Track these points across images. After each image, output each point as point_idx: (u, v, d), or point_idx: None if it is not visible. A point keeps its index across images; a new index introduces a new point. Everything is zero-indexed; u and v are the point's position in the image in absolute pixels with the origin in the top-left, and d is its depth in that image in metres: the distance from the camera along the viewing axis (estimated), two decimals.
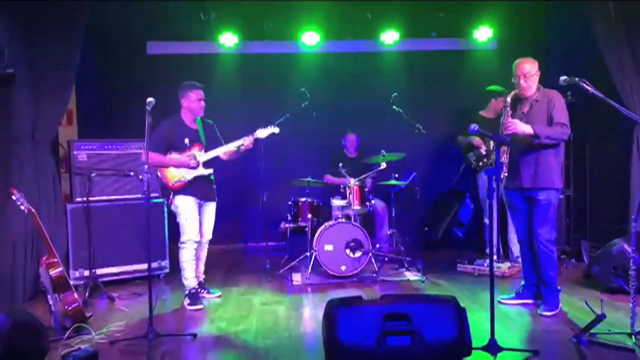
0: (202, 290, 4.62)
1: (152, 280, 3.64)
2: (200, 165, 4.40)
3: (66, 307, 3.67)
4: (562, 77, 3.43)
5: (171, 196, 4.41)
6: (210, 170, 4.50)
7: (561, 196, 5.42)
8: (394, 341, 2.64)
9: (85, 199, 4.87)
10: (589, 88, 3.33)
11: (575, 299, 4.28)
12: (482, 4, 6.18)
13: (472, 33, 6.47)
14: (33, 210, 3.80)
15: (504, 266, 5.18)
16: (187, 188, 4.37)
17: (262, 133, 4.50)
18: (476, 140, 5.56)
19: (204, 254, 4.66)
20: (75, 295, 3.76)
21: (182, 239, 4.40)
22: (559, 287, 4.06)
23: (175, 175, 4.37)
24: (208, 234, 4.60)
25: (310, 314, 4.17)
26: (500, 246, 5.64)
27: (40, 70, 4.64)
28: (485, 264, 5.28)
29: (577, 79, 3.35)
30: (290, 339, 3.61)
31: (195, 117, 4.48)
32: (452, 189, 6.56)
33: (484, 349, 3.02)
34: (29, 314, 2.97)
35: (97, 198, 5.04)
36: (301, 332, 3.75)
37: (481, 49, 6.70)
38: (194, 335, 3.65)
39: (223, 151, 4.45)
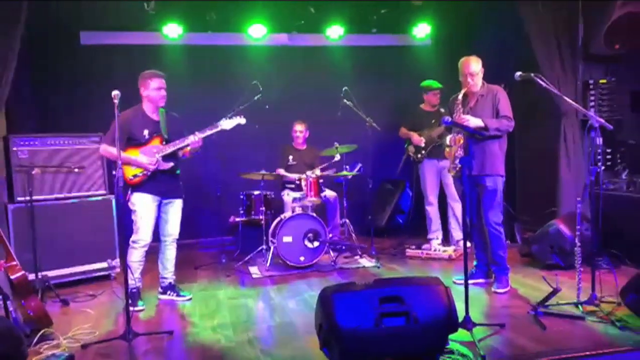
0: (172, 293, 4.42)
1: (127, 278, 3.52)
2: (160, 160, 4.15)
3: (29, 312, 3.45)
4: (517, 73, 3.73)
5: (129, 192, 4.15)
6: (171, 164, 4.23)
7: None
8: (391, 322, 2.79)
9: (28, 198, 4.59)
10: (542, 82, 3.66)
11: (519, 277, 4.67)
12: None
13: (411, 30, 6.77)
14: None
15: (450, 249, 5.52)
16: (145, 184, 4.13)
17: (227, 124, 4.28)
18: (415, 138, 5.85)
19: (172, 253, 4.40)
20: (39, 300, 3.55)
21: (133, 238, 4.16)
22: (508, 266, 4.42)
23: (134, 170, 4.11)
24: (174, 233, 4.36)
25: (281, 304, 4.22)
26: (441, 231, 6.03)
27: None
28: (433, 248, 5.62)
29: (532, 74, 3.67)
30: (271, 330, 3.67)
31: (156, 107, 4.24)
32: (392, 178, 6.87)
33: (460, 325, 3.25)
34: (5, 319, 2.79)
35: (41, 197, 4.75)
36: (278, 322, 3.81)
37: (419, 45, 7.04)
38: (171, 333, 3.59)
39: (185, 144, 4.18)
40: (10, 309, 3.45)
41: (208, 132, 4.22)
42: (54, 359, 3.09)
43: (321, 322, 2.89)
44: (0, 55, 4.40)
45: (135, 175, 4.14)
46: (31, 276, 4.53)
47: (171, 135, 4.26)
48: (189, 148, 4.25)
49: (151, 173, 4.15)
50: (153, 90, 4.17)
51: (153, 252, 4.41)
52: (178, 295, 4.42)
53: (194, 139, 4.17)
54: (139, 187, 4.15)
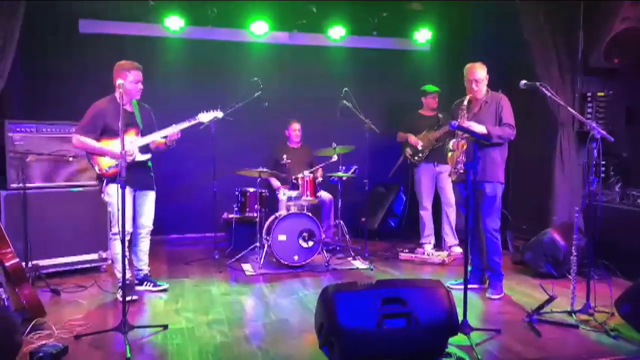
0: (148, 283, 4.43)
1: (124, 270, 3.47)
2: (137, 151, 4.11)
3: (22, 300, 3.39)
4: (522, 82, 3.76)
5: (104, 184, 4.12)
6: (148, 156, 4.21)
7: None
8: (392, 323, 2.79)
9: (21, 185, 4.52)
10: (547, 92, 3.70)
11: (512, 283, 4.70)
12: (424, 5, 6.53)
13: (412, 34, 6.81)
14: None
15: (444, 254, 5.55)
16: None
17: (205, 117, 4.32)
18: (412, 138, 5.88)
19: (145, 245, 4.41)
20: (32, 289, 3.49)
21: (114, 230, 4.08)
22: (502, 272, 4.45)
23: (109, 161, 4.07)
24: (148, 225, 4.35)
25: (275, 302, 4.20)
26: (433, 236, 6.05)
27: None
28: (426, 253, 5.64)
29: (537, 83, 3.70)
30: (266, 327, 3.65)
31: (131, 99, 4.18)
32: (385, 181, 6.88)
33: (458, 329, 3.26)
34: (2, 306, 2.73)
35: (34, 184, 4.68)
36: (274, 320, 3.79)
37: (418, 50, 7.08)
38: (165, 327, 3.55)
39: (162, 135, 4.15)
40: (3, 296, 3.38)
41: (186, 125, 4.20)
42: (49, 349, 3.02)
43: (322, 320, 2.88)
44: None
45: (110, 167, 4.08)
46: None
47: (144, 126, 4.21)
48: (164, 140, 4.20)
49: (127, 164, 4.06)
50: (131, 82, 4.09)
51: None
52: (155, 285, 4.44)
53: (172, 131, 4.13)
54: (114, 178, 4.04)
